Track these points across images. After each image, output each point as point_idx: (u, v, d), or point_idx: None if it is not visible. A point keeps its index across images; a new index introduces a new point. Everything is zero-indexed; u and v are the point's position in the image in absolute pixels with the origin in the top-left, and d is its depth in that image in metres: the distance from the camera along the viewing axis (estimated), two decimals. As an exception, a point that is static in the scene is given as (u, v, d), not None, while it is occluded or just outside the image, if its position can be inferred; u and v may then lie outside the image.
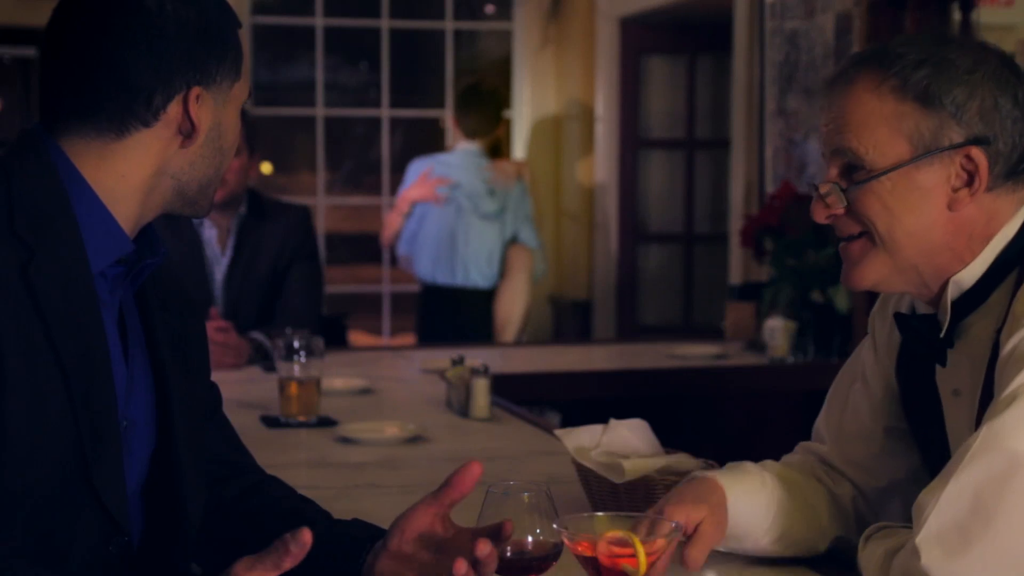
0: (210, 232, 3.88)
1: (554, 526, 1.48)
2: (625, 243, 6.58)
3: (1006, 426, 1.46)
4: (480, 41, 7.04)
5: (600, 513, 1.56)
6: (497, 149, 5.68)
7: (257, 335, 3.70)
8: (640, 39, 6.49)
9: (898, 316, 1.72)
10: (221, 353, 3.52)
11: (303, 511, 1.69)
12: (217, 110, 1.52)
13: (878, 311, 1.85)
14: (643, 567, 1.43)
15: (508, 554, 1.49)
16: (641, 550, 1.43)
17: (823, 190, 1.64)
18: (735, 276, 5.42)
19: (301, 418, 2.89)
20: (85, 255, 1.45)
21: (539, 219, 6.28)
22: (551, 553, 1.50)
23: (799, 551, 1.78)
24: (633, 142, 6.56)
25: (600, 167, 6.59)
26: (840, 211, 1.63)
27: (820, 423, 1.90)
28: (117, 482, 1.46)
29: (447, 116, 6.63)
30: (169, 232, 3.76)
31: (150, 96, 1.47)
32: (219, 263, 3.89)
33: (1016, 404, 1.47)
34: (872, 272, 1.64)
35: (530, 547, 1.50)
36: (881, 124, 1.59)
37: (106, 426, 1.44)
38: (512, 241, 5.57)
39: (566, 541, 1.47)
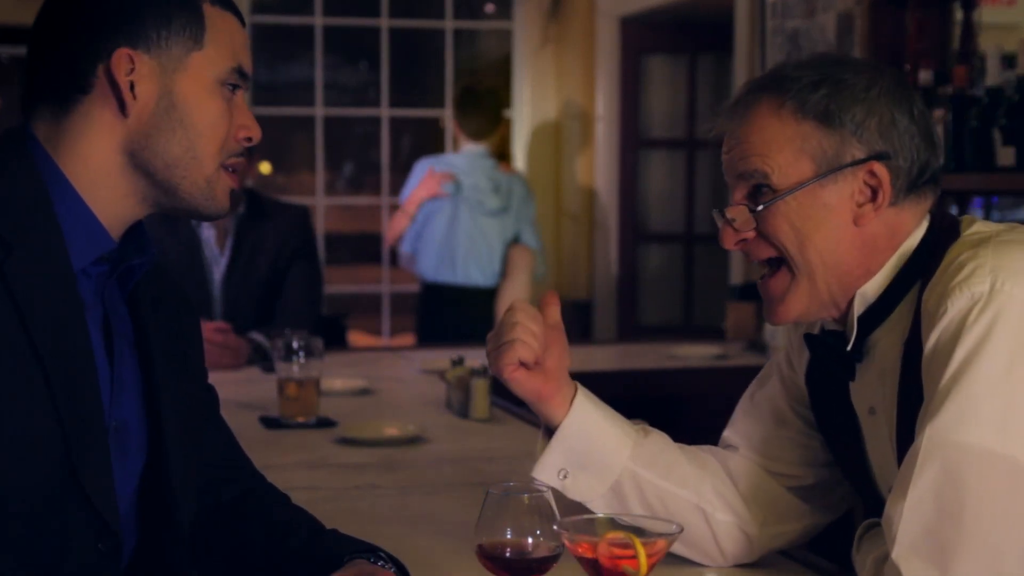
0: (208, 232, 3.86)
1: (554, 528, 1.48)
2: (625, 243, 6.57)
3: (946, 422, 1.47)
4: (480, 41, 7.03)
5: (600, 515, 1.55)
6: (501, 153, 5.68)
7: (256, 335, 3.69)
8: (640, 38, 6.48)
9: (808, 337, 1.74)
10: (220, 354, 3.51)
11: (292, 523, 1.68)
12: (166, 79, 1.47)
13: (792, 328, 1.86)
14: (644, 568, 1.42)
15: (508, 555, 1.48)
16: (642, 551, 1.42)
17: (730, 215, 1.66)
18: (736, 276, 5.40)
19: (300, 419, 2.88)
20: (66, 252, 1.43)
21: (539, 219, 6.25)
22: (551, 555, 1.49)
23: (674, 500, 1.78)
24: (633, 142, 6.55)
25: (600, 167, 6.58)
26: (751, 234, 1.65)
27: (733, 433, 1.89)
28: (106, 483, 1.44)
29: (447, 117, 6.62)
30: (166, 232, 3.76)
31: (78, 58, 1.45)
32: (218, 263, 3.88)
33: (951, 399, 1.47)
34: (796, 304, 1.65)
35: (530, 548, 1.49)
36: (784, 145, 1.62)
37: (92, 426, 1.42)
38: (514, 241, 5.57)
39: (566, 543, 1.46)
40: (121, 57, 1.45)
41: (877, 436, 1.68)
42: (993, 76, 3.54)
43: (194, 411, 1.62)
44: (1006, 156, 3.49)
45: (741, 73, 5.41)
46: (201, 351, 1.69)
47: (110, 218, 1.49)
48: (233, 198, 1.55)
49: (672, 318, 6.62)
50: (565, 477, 1.75)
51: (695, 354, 4.24)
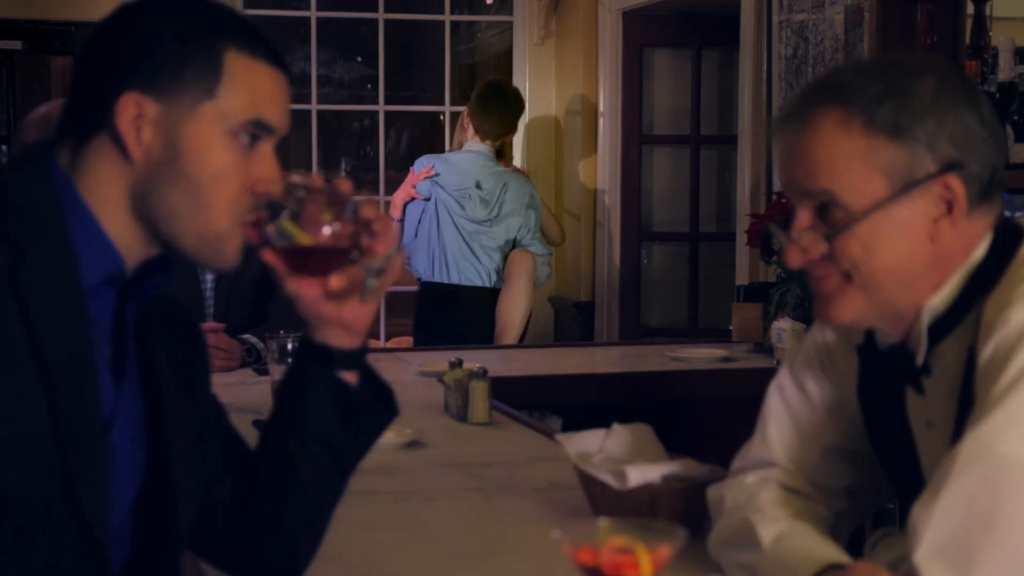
0: (201, 231, 3.82)
1: (554, 534, 1.41)
2: (628, 242, 6.53)
3: (992, 430, 1.44)
4: (479, 34, 7.01)
5: (602, 520, 1.50)
6: (500, 151, 5.60)
7: (249, 337, 3.65)
8: (643, 32, 6.45)
9: (862, 350, 1.70)
10: (212, 355, 3.45)
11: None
12: (172, 127, 1.44)
13: (826, 343, 1.80)
14: (648, 576, 1.36)
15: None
16: (646, 558, 1.36)
17: (797, 236, 1.59)
18: (741, 277, 5.38)
19: (294, 422, 2.82)
20: (75, 266, 1.42)
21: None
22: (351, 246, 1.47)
23: None
24: (637, 138, 6.52)
25: (603, 164, 6.54)
26: (817, 255, 1.59)
27: (770, 450, 1.83)
28: (100, 496, 1.43)
29: (449, 112, 6.59)
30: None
31: (93, 97, 1.45)
32: (211, 263, 3.83)
33: (999, 407, 1.45)
34: (850, 309, 1.60)
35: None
36: (855, 162, 1.55)
37: (90, 437, 1.41)
38: (514, 246, 5.49)
39: (567, 550, 1.40)
40: (128, 102, 1.43)
41: (934, 450, 1.63)
42: (1005, 71, 3.53)
43: (200, 429, 1.63)
44: (1019, 153, 3.47)
45: (747, 68, 5.37)
46: (208, 371, 1.69)
47: (123, 240, 1.48)
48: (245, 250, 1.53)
49: (676, 319, 6.59)
50: None
51: (700, 356, 4.20)
